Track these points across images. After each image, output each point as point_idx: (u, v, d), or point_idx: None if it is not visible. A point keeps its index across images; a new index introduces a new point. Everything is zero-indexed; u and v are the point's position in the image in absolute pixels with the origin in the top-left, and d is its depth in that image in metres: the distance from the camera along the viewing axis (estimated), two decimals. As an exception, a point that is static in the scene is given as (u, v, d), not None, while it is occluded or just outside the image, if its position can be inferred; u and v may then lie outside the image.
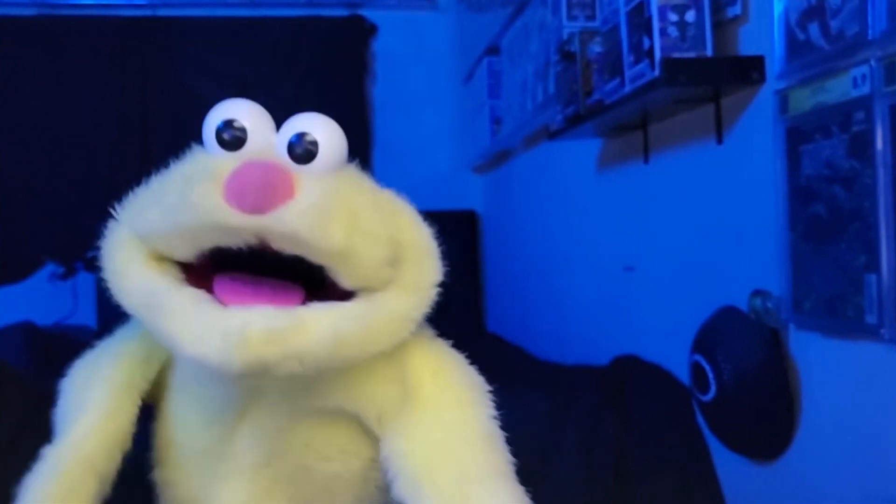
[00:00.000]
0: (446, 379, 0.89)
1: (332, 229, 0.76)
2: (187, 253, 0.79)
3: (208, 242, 0.77)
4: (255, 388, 0.85)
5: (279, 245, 0.76)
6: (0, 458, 1.08)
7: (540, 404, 1.42)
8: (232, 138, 0.82)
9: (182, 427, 0.91)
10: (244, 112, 0.84)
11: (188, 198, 0.77)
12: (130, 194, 0.90)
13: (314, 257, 0.77)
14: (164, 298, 0.77)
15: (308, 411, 0.88)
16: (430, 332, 0.92)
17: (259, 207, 0.74)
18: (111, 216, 0.89)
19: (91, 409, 0.89)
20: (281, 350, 0.74)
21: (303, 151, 0.81)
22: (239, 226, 0.75)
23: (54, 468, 0.85)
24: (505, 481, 0.84)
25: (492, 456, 0.85)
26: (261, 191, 0.75)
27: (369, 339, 0.80)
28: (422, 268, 0.85)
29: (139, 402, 0.91)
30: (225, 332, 0.73)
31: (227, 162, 0.79)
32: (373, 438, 0.89)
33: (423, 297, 0.85)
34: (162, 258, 0.81)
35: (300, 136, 0.82)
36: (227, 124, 0.83)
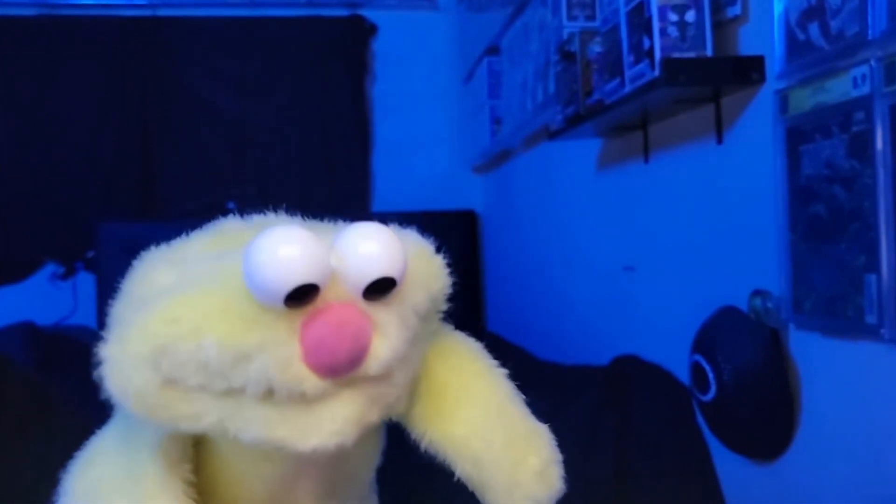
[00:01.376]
0: (454, 357, 0.92)
1: (404, 351, 0.78)
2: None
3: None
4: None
5: None
6: (1, 454, 1.08)
7: (540, 404, 1.42)
8: (300, 299, 0.69)
9: (235, 488, 0.88)
10: (311, 263, 0.69)
11: (258, 369, 0.69)
12: (130, 317, 0.73)
13: None
14: (251, 411, 0.72)
15: None
16: None
17: (347, 373, 0.72)
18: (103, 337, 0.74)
19: None
20: (380, 407, 0.77)
21: (381, 291, 0.74)
22: (321, 390, 0.72)
23: None
24: (538, 423, 0.91)
25: (522, 408, 0.91)
26: (355, 358, 0.72)
27: (419, 361, 0.86)
28: (443, 296, 0.87)
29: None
30: (339, 417, 0.73)
31: (296, 319, 0.70)
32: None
33: (441, 314, 0.89)
34: None
35: (379, 282, 0.73)
36: (297, 289, 0.68)
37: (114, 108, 3.39)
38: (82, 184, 3.35)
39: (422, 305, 0.80)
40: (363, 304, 0.73)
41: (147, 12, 3.44)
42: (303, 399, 0.72)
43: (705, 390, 1.34)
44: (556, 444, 0.90)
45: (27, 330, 2.70)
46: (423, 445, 0.89)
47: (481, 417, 0.89)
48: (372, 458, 0.98)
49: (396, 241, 0.75)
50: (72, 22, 3.39)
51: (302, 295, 0.69)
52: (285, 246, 0.69)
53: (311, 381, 0.71)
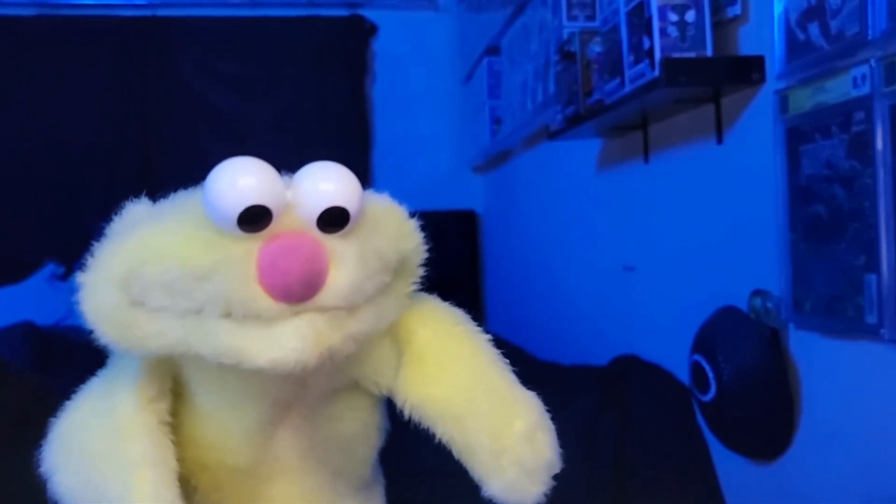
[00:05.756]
0: (435, 322, 0.92)
1: (366, 290, 0.79)
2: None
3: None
4: (298, 387, 0.86)
5: None
6: (1, 456, 1.08)
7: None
8: (254, 223, 0.74)
9: (216, 449, 0.89)
10: (262, 188, 0.74)
11: (215, 288, 0.73)
12: (104, 248, 0.79)
13: None
14: (214, 325, 0.75)
15: (329, 392, 0.91)
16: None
17: (305, 297, 0.74)
18: (84, 264, 0.80)
19: (142, 466, 0.80)
20: (343, 334, 0.77)
21: (335, 226, 0.77)
22: (278, 313, 0.74)
23: None
24: (525, 390, 0.90)
25: (508, 374, 0.90)
26: (308, 282, 0.73)
27: (392, 314, 0.86)
28: (416, 259, 0.89)
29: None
30: (297, 332, 0.74)
31: (252, 242, 0.74)
32: (369, 392, 0.94)
33: (417, 277, 0.90)
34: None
35: (331, 211, 0.76)
36: (248, 210, 0.73)
37: (114, 108, 3.39)
38: (82, 184, 3.35)
39: (387, 253, 0.82)
40: (318, 234, 0.76)
41: (147, 12, 3.44)
42: (259, 320, 0.74)
43: (705, 390, 1.34)
44: (544, 408, 0.89)
45: (26, 330, 2.70)
46: (406, 412, 0.88)
47: (464, 379, 0.88)
48: (367, 431, 0.97)
49: (351, 177, 0.79)
50: (71, 22, 3.39)
51: (257, 220, 0.73)
52: (240, 171, 0.75)
53: (266, 302, 0.73)
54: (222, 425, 0.88)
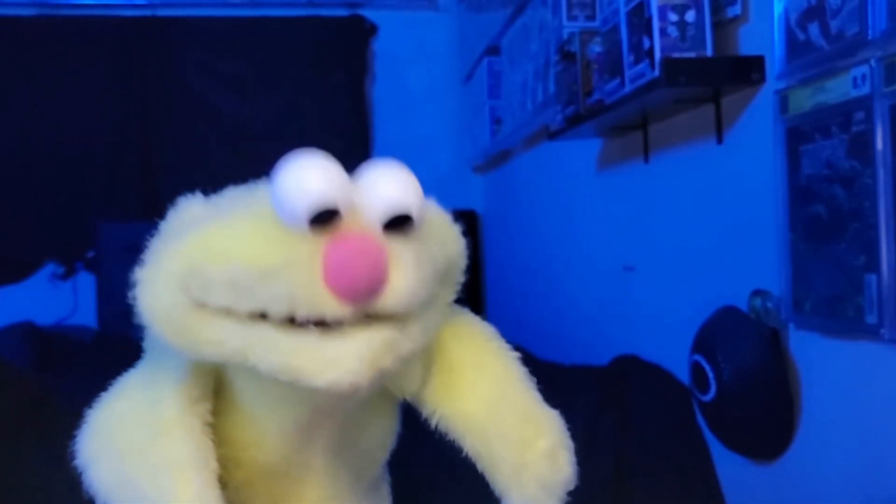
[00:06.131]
0: (469, 336, 0.94)
1: (422, 295, 0.79)
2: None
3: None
4: (341, 397, 0.84)
5: None
6: (1, 456, 1.08)
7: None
8: (323, 222, 0.73)
9: (253, 448, 0.90)
10: (334, 188, 0.73)
11: (281, 287, 0.72)
12: (165, 245, 0.79)
13: None
14: (272, 340, 0.74)
15: (364, 400, 0.91)
16: None
17: (369, 300, 0.74)
18: (142, 259, 0.79)
19: (186, 468, 0.80)
20: (395, 356, 0.77)
21: (399, 230, 0.76)
22: (344, 317, 0.74)
23: None
24: (549, 408, 0.92)
25: (534, 392, 0.92)
26: (374, 286, 0.73)
27: (436, 327, 0.87)
28: (460, 265, 0.92)
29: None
30: (356, 355, 0.73)
31: (318, 243, 0.73)
32: (388, 394, 0.94)
33: (459, 286, 0.92)
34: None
35: (398, 219, 0.76)
36: (320, 210, 0.72)
37: (113, 108, 3.39)
38: (82, 184, 3.35)
39: (439, 259, 0.83)
40: (382, 237, 0.76)
41: (147, 12, 3.44)
42: (322, 323, 0.73)
43: (705, 390, 1.34)
44: (566, 428, 0.91)
45: (27, 330, 2.70)
46: (433, 422, 0.90)
47: (493, 395, 0.90)
48: (386, 435, 0.99)
49: (415, 181, 0.79)
50: (71, 22, 3.39)
51: (325, 220, 0.72)
52: (311, 170, 0.74)
53: (331, 304, 0.72)
54: (261, 426, 0.89)
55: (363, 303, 0.74)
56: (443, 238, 0.86)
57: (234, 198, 0.83)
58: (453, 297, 0.91)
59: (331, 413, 0.89)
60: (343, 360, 0.73)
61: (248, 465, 0.90)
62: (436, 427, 0.89)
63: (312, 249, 0.72)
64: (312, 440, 0.91)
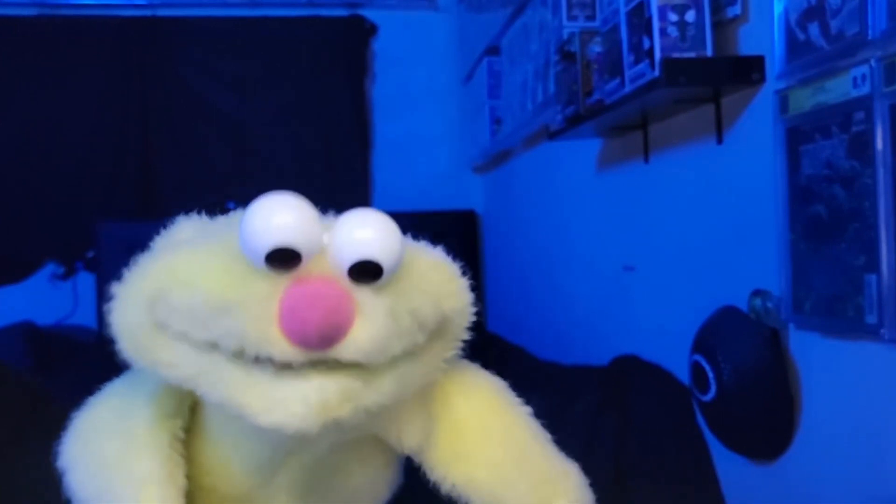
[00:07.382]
0: (476, 394, 0.91)
1: (391, 347, 0.75)
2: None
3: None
4: (300, 439, 0.81)
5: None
6: (1, 456, 1.08)
7: (540, 404, 1.42)
8: (282, 263, 0.72)
9: (215, 474, 0.89)
10: (295, 229, 0.71)
11: (233, 323, 0.71)
12: (143, 264, 0.80)
13: None
14: (224, 372, 0.74)
15: (340, 444, 0.89)
16: None
17: (323, 347, 0.71)
18: (122, 276, 0.80)
19: (149, 483, 0.81)
20: (354, 407, 0.74)
21: (367, 277, 0.73)
22: (295, 360, 0.72)
23: None
24: (569, 466, 0.89)
25: (548, 448, 0.90)
26: (327, 333, 0.71)
27: (418, 382, 0.83)
28: (461, 321, 0.87)
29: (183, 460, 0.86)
30: (304, 399, 0.71)
31: (278, 283, 0.72)
32: (385, 445, 0.91)
33: (459, 342, 0.88)
34: None
35: (364, 264, 0.73)
36: (278, 250, 0.71)
37: (113, 108, 3.39)
38: (82, 184, 3.35)
39: (425, 314, 0.79)
40: (347, 284, 0.73)
41: (146, 12, 3.44)
42: (271, 364, 0.72)
43: (705, 390, 1.34)
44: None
45: (27, 330, 2.71)
46: (445, 489, 0.88)
47: (503, 459, 0.88)
48: (376, 484, 0.96)
49: (391, 229, 0.76)
50: (71, 22, 3.39)
51: (286, 260, 0.71)
52: (277, 208, 0.73)
53: (281, 346, 0.71)
54: (224, 454, 0.88)
55: (317, 348, 0.71)
56: (437, 292, 0.82)
57: (225, 223, 0.84)
58: (451, 352, 0.87)
59: (295, 453, 0.87)
60: (289, 402, 0.71)
61: (209, 492, 0.89)
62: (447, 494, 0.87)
63: (273, 289, 0.71)
64: (275, 477, 0.89)
